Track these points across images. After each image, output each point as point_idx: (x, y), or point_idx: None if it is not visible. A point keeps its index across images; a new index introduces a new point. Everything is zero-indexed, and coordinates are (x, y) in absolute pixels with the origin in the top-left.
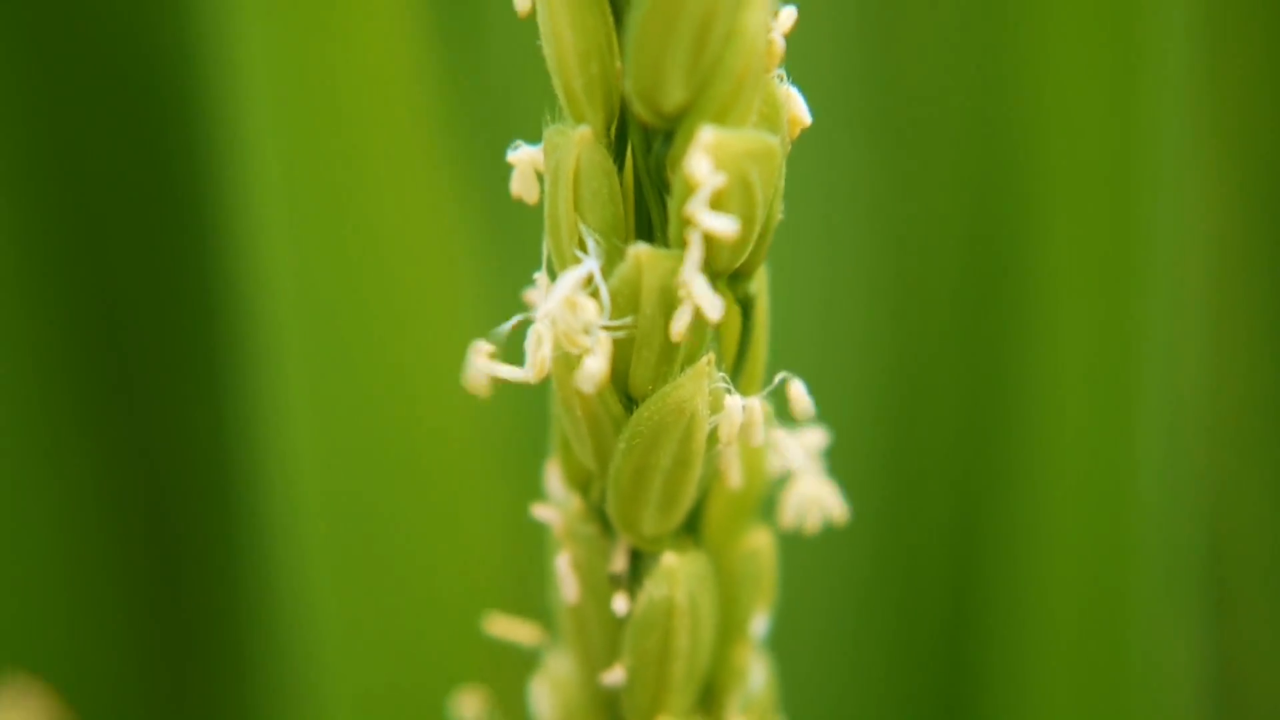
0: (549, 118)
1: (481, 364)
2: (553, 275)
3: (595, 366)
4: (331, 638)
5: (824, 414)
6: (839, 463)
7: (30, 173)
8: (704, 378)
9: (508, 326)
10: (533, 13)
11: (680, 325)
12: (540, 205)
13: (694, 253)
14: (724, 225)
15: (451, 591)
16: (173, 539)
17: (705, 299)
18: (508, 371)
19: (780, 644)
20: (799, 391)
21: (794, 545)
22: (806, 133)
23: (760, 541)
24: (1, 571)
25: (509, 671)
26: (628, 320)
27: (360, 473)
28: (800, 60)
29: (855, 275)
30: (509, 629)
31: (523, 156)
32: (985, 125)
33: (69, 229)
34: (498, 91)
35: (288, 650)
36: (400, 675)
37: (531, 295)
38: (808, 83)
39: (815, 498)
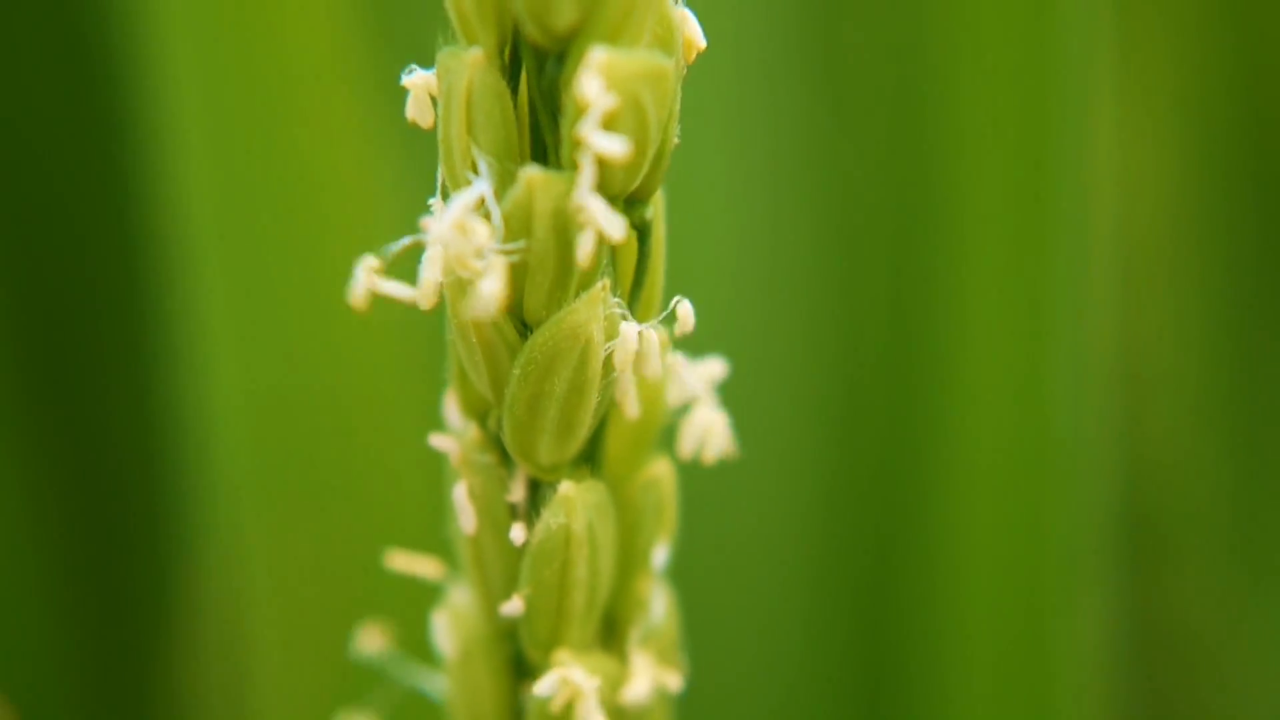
0: (442, 40)
1: (367, 279)
2: (447, 200)
3: (488, 289)
4: (261, 579)
5: (771, 356)
6: (782, 433)
7: None
8: (599, 303)
9: (398, 247)
10: None
11: (585, 248)
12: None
13: (587, 174)
14: (615, 146)
15: (378, 520)
16: (97, 490)
17: (605, 219)
18: (394, 289)
19: (722, 614)
20: (686, 312)
21: (747, 489)
22: (747, 107)
23: (660, 471)
24: None
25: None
26: (521, 244)
27: (284, 403)
28: (740, 35)
29: (792, 231)
30: (410, 563)
31: (417, 81)
32: (912, 79)
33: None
34: (417, 12)
35: (219, 588)
36: (330, 610)
37: (427, 221)
38: (748, 60)
39: (716, 427)
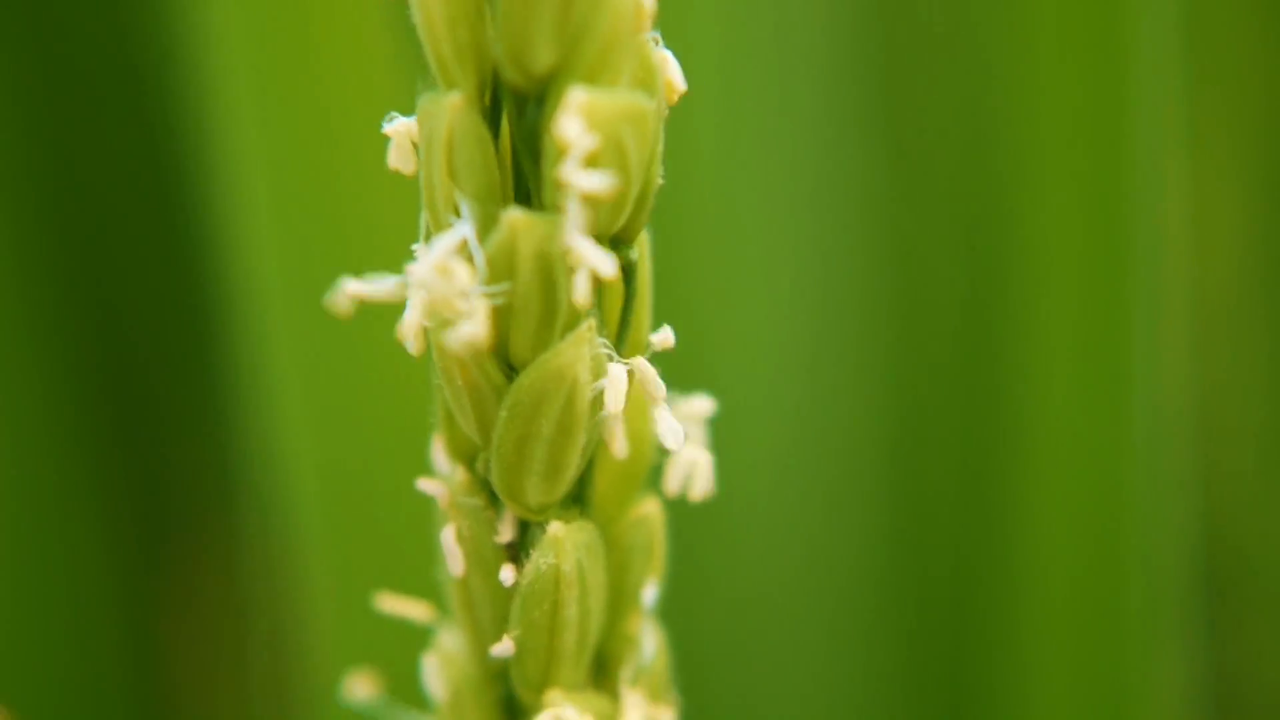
0: (420, 86)
1: (350, 288)
2: (430, 243)
3: (470, 331)
4: (325, 590)
5: (823, 423)
6: (839, 471)
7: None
8: (585, 343)
9: (387, 285)
10: None
11: (579, 288)
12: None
13: (573, 214)
14: (596, 184)
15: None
16: (170, 531)
17: (595, 258)
18: (369, 289)
19: (784, 658)
20: (664, 337)
21: (795, 558)
22: (803, 141)
23: (648, 510)
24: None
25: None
26: (505, 286)
27: (350, 440)
28: (797, 70)
29: (851, 285)
30: (400, 606)
31: (398, 128)
32: (978, 132)
33: (55, 208)
34: None
35: (282, 595)
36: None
37: (411, 266)
38: (803, 93)
39: (702, 465)
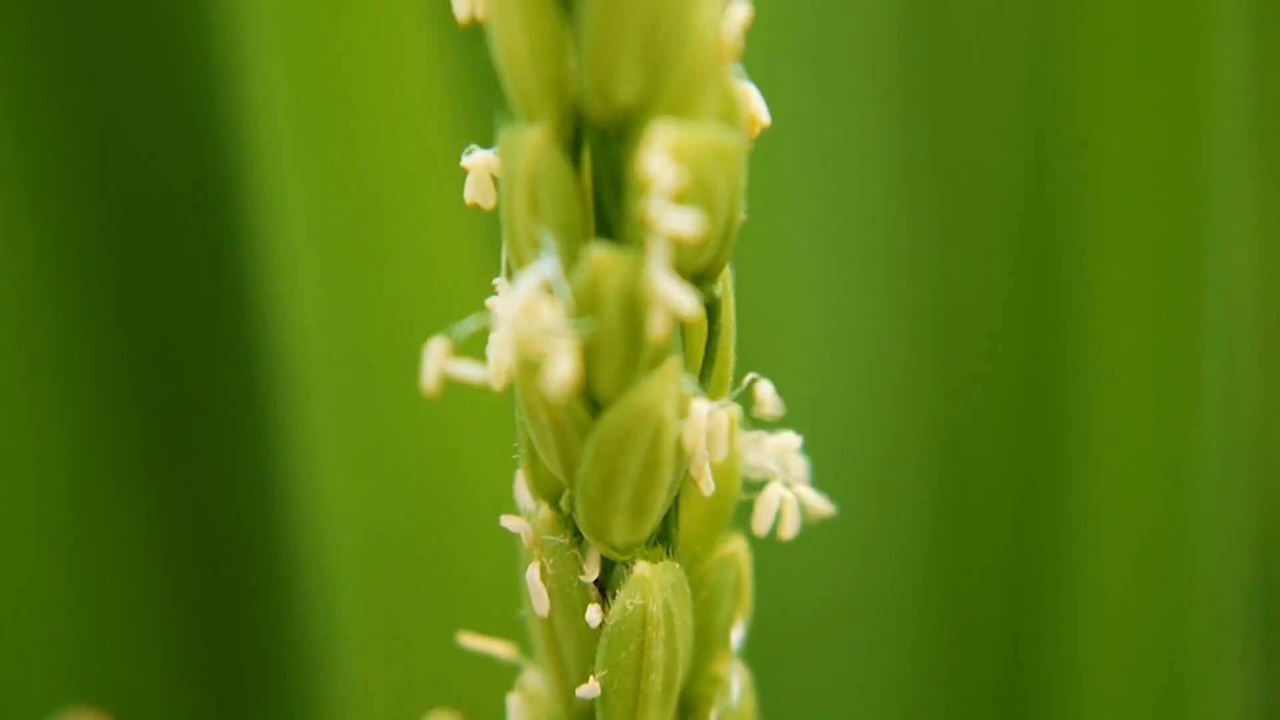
0: (500, 120)
1: (437, 362)
2: (512, 280)
3: (561, 371)
4: (369, 658)
5: (872, 438)
6: (889, 486)
7: (68, 198)
8: (670, 380)
9: (467, 329)
10: (472, 20)
11: (659, 326)
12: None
13: (658, 252)
14: (684, 223)
15: (489, 600)
16: (218, 577)
17: (678, 297)
18: (465, 370)
19: (833, 666)
20: (767, 393)
21: (845, 572)
22: (853, 154)
23: (735, 548)
24: (55, 599)
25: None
26: (589, 324)
27: (394, 493)
28: (845, 86)
29: (902, 291)
30: (484, 645)
31: (477, 161)
32: (1035, 140)
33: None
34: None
35: (326, 669)
36: (440, 689)
37: (493, 302)
38: (852, 108)
39: (790, 502)
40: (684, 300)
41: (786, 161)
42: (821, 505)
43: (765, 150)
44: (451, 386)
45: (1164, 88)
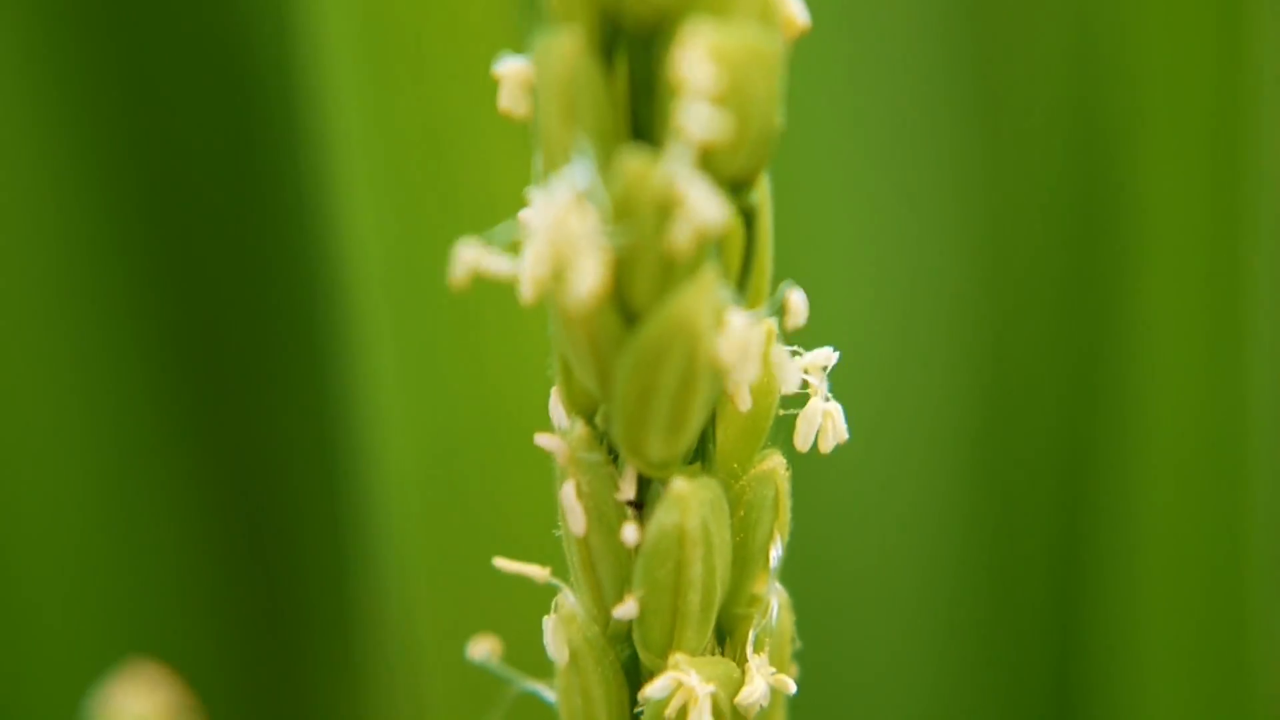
0: (534, 26)
1: (468, 256)
2: (546, 188)
3: (592, 279)
4: (428, 608)
5: (913, 386)
6: (928, 437)
7: (120, 169)
8: (707, 291)
9: (501, 237)
10: None
11: (685, 233)
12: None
13: (687, 155)
14: (717, 125)
15: (544, 544)
16: (273, 523)
17: (705, 203)
18: (496, 264)
19: (872, 640)
20: (797, 302)
21: (881, 526)
22: (898, 90)
23: (774, 465)
24: (111, 561)
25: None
26: (625, 231)
27: (454, 451)
28: (890, 45)
29: (945, 241)
30: (519, 568)
31: (509, 69)
32: (1081, 81)
33: (161, 220)
34: None
35: (386, 630)
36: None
37: (526, 213)
38: (895, 42)
39: (828, 418)
40: (712, 206)
41: (826, 78)
42: (843, 430)
43: (804, 66)
44: (499, 309)
45: (1211, 27)
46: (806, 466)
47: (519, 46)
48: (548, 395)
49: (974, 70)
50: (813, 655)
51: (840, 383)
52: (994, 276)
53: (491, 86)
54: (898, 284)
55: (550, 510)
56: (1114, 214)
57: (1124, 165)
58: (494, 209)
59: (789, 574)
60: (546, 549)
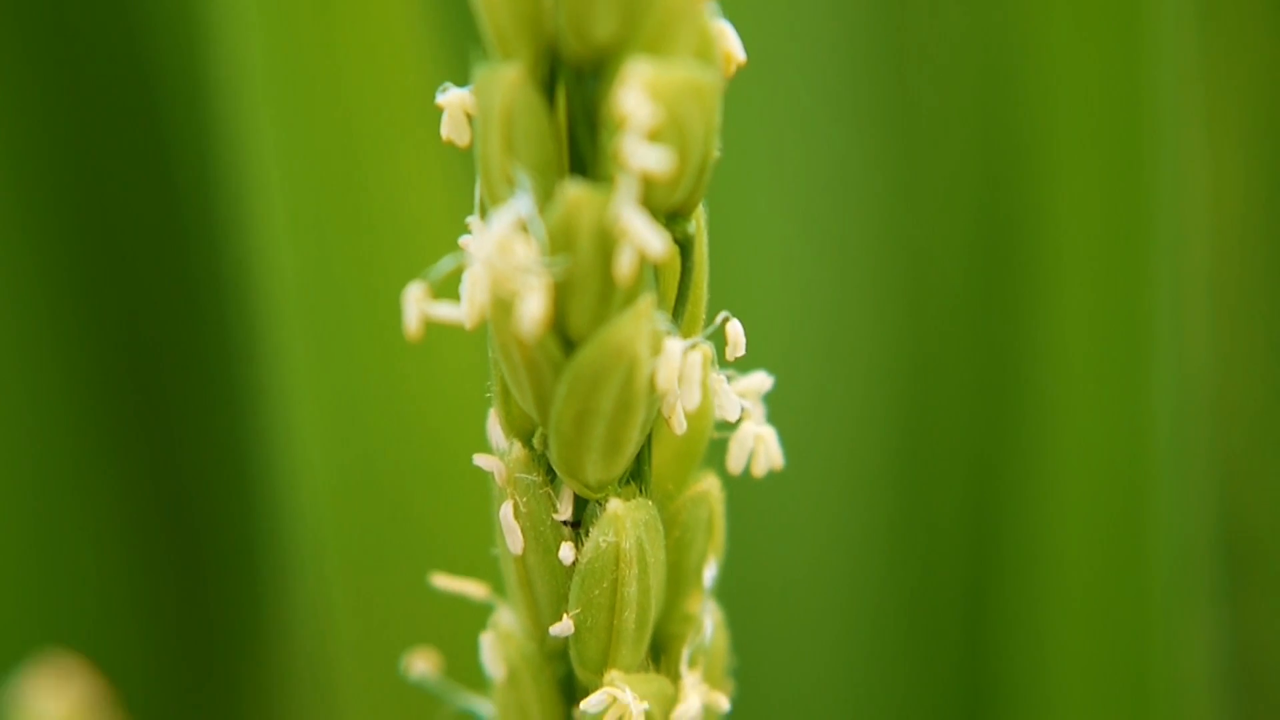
0: (474, 57)
1: (417, 304)
2: (486, 219)
3: (533, 308)
4: (343, 610)
5: (835, 409)
6: (850, 458)
7: (42, 180)
8: (644, 318)
9: (443, 269)
10: None
11: (625, 264)
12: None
13: (629, 189)
14: (656, 159)
15: (462, 539)
16: (191, 525)
17: (646, 235)
18: (443, 311)
19: (793, 643)
20: (736, 333)
21: (806, 543)
22: (816, 126)
23: (708, 486)
24: (30, 561)
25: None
26: (563, 261)
27: (368, 451)
28: (805, 58)
29: (864, 269)
30: (455, 585)
31: (452, 99)
32: (990, 115)
33: (79, 228)
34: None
35: (302, 630)
36: (414, 630)
37: (466, 240)
38: (814, 78)
39: (760, 443)
40: (653, 238)
41: (750, 105)
42: (777, 456)
43: (730, 94)
44: (425, 326)
45: (1112, 54)
46: (736, 486)
47: (433, 53)
48: (465, 409)
49: (890, 94)
50: (747, 672)
51: (765, 360)
52: (911, 300)
53: (402, 95)
54: (819, 305)
55: (476, 527)
56: (1023, 239)
57: (1032, 192)
58: (405, 214)
59: (724, 592)
60: (465, 566)
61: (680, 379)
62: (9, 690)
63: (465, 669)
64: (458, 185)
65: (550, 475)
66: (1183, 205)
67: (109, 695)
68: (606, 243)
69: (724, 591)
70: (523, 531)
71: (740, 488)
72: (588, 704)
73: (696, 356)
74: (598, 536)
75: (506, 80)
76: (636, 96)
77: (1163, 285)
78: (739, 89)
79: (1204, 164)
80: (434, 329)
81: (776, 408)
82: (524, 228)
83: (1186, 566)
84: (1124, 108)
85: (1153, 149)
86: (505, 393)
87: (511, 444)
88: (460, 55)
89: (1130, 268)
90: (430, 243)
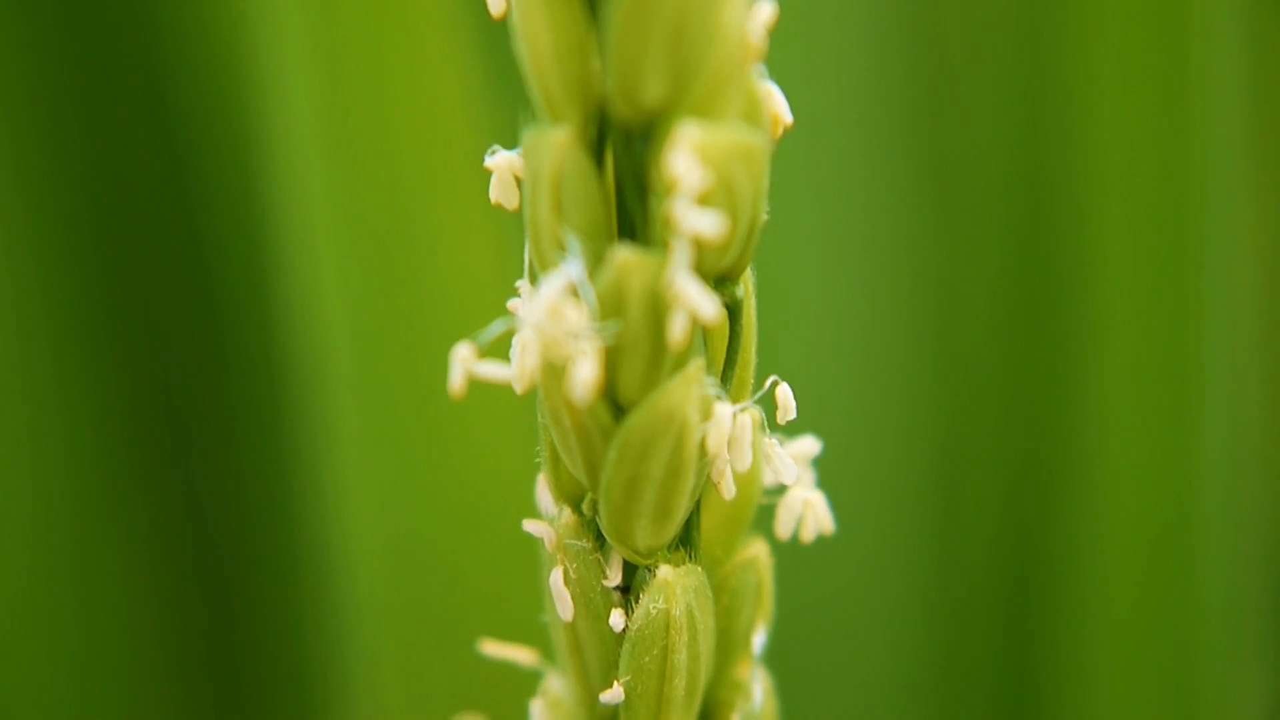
0: (524, 121)
1: (464, 364)
2: (535, 282)
3: (585, 374)
4: (390, 676)
5: (870, 438)
6: (889, 486)
7: (77, 216)
8: (694, 383)
9: (493, 333)
10: (504, 17)
11: (679, 329)
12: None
13: (681, 254)
14: (708, 224)
15: (511, 606)
16: (229, 587)
17: (699, 300)
18: (491, 371)
19: (833, 665)
20: (786, 396)
21: (845, 570)
22: (850, 157)
23: (757, 552)
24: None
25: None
26: (614, 326)
27: (416, 516)
28: (840, 88)
29: (899, 291)
30: (505, 651)
31: (500, 162)
32: (1031, 139)
33: (118, 265)
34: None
35: (344, 676)
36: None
37: (516, 304)
38: (849, 110)
39: (809, 508)
40: (706, 303)
41: (784, 161)
42: (825, 519)
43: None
44: (473, 388)
45: (1159, 74)
46: (783, 550)
47: (483, 119)
48: (513, 475)
49: (926, 110)
50: None
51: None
52: (948, 309)
53: (453, 160)
54: (856, 322)
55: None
56: (1064, 266)
57: (1074, 211)
58: (455, 281)
59: (771, 658)
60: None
61: (730, 443)
62: None
63: None
64: (506, 242)
65: (600, 541)
66: (1232, 228)
67: None
68: (657, 307)
69: (779, 657)
70: (572, 598)
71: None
72: None
73: (746, 420)
74: (648, 603)
75: (556, 143)
76: (687, 160)
77: (1212, 312)
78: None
79: (1254, 185)
80: (483, 392)
81: (824, 461)
82: (574, 292)
83: (1236, 604)
84: (1171, 110)
85: (1201, 170)
86: (555, 458)
87: (561, 509)
88: (508, 113)
89: (1178, 288)
90: (480, 305)
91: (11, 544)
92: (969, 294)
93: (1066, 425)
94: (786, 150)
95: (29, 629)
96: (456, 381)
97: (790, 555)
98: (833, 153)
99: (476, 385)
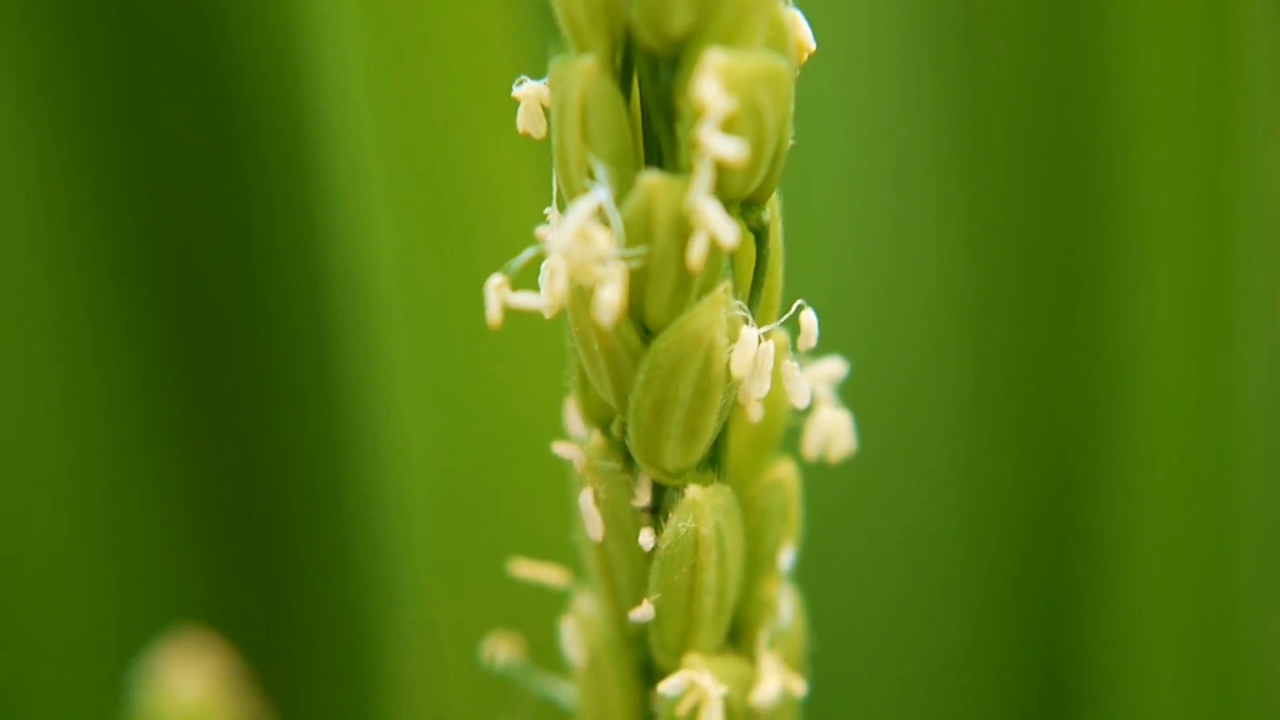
0: (551, 50)
1: (497, 294)
2: (563, 209)
3: (611, 297)
4: (429, 589)
5: (909, 408)
6: (921, 409)
7: (118, 174)
8: (720, 306)
9: (522, 260)
10: None
11: (697, 252)
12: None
13: (703, 178)
14: (733, 149)
15: (543, 527)
16: (281, 525)
17: (718, 224)
18: (523, 299)
19: (871, 625)
20: (810, 323)
21: (880, 541)
22: (880, 81)
23: (784, 473)
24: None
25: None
26: (641, 250)
27: (465, 455)
28: (871, 11)
29: (927, 216)
30: (536, 571)
31: (528, 91)
32: (1066, 60)
33: (159, 219)
34: None
35: (398, 632)
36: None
37: (544, 230)
38: (878, 34)
39: (840, 426)
40: (726, 227)
41: (812, 84)
42: (850, 440)
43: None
44: (510, 318)
45: (1202, 36)
46: (813, 470)
47: (524, 51)
48: (557, 401)
49: (955, 54)
50: (824, 657)
51: (849, 388)
52: (988, 280)
53: (496, 92)
54: (892, 291)
55: (560, 515)
56: (1103, 226)
57: (1112, 173)
58: (500, 212)
59: (800, 577)
60: (557, 553)
61: (756, 366)
62: (138, 671)
63: (546, 654)
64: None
65: (629, 462)
66: (1272, 198)
67: (243, 672)
68: (683, 232)
69: (800, 574)
70: (602, 518)
71: (818, 470)
72: (666, 687)
73: (771, 344)
74: (677, 522)
75: (582, 72)
76: (712, 86)
77: (1253, 270)
78: (806, 75)
79: None
80: (518, 319)
81: (855, 393)
82: (602, 217)
83: (1276, 565)
84: (1211, 83)
85: (1242, 147)
86: (584, 381)
87: (590, 432)
88: (537, 48)
89: (1216, 259)
90: (518, 235)
91: (50, 481)
92: (999, 222)
93: (1103, 358)
94: (813, 75)
95: (68, 570)
96: (493, 312)
97: (819, 475)
98: (862, 77)
99: (515, 314)
